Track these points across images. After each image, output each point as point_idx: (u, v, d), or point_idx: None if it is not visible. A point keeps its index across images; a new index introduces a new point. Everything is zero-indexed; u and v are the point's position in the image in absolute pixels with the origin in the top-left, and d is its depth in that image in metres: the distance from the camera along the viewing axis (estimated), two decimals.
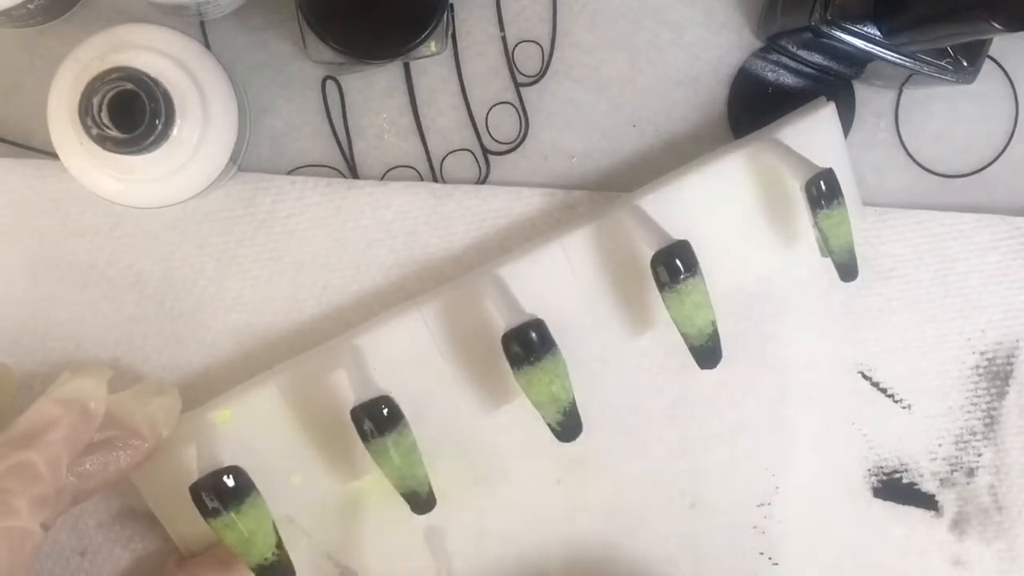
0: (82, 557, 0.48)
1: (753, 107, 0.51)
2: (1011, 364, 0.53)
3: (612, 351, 0.50)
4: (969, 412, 0.53)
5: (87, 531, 0.48)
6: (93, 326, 0.48)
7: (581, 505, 0.50)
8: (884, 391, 0.53)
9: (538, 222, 0.50)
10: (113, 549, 0.48)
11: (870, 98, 0.52)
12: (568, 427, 0.43)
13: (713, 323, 0.44)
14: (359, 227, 0.49)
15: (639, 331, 0.49)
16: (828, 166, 0.45)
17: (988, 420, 0.53)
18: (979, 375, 0.53)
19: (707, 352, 0.44)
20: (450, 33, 0.49)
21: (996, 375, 0.53)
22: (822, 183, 0.44)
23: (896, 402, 0.53)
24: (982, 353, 0.53)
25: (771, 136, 0.48)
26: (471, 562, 0.50)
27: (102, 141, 0.38)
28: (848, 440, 0.53)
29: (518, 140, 0.51)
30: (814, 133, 0.49)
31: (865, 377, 0.53)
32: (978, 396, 0.53)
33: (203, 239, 0.49)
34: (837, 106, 0.52)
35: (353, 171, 0.50)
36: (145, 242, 0.48)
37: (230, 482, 0.39)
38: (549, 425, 0.43)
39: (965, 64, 0.47)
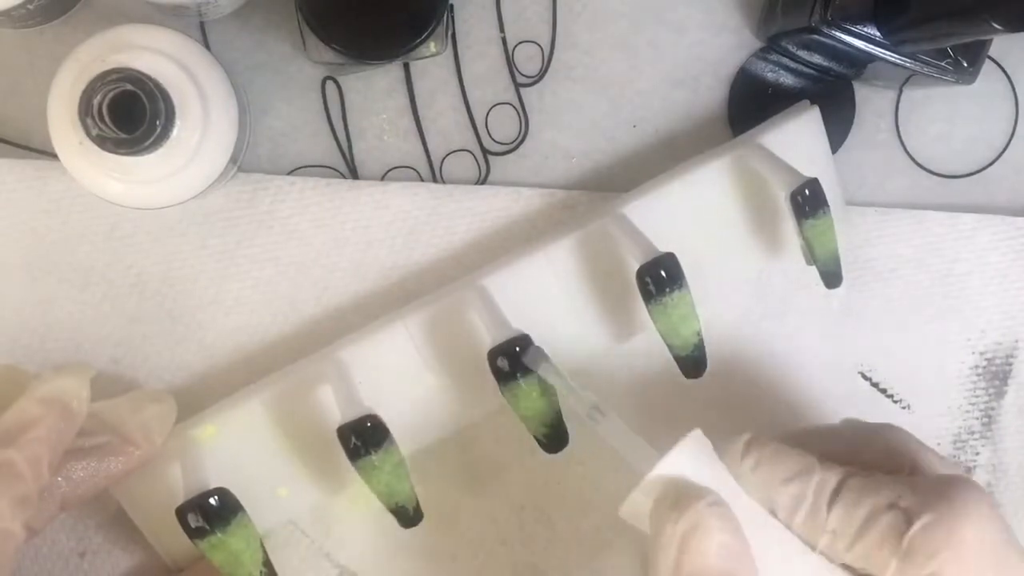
0: (81, 558, 0.48)
1: (753, 107, 0.51)
2: (1010, 364, 0.53)
3: (600, 358, 0.49)
4: (968, 412, 0.53)
5: (87, 532, 0.48)
6: (93, 327, 0.48)
7: (580, 507, 0.50)
8: (884, 391, 0.53)
9: (538, 222, 0.50)
10: (112, 551, 0.48)
11: (870, 98, 0.52)
12: (554, 439, 0.43)
13: (698, 334, 0.44)
14: (359, 227, 0.49)
15: (627, 337, 0.49)
16: (813, 175, 0.45)
17: (986, 420, 0.53)
18: (978, 375, 0.53)
19: (692, 362, 0.45)
20: (450, 34, 0.49)
21: (995, 375, 0.53)
22: (807, 192, 0.44)
23: (896, 402, 0.53)
24: (981, 353, 0.53)
25: (756, 141, 0.48)
26: (470, 562, 0.50)
27: (102, 142, 0.38)
28: None
29: (518, 140, 0.51)
30: (798, 137, 0.49)
31: (865, 377, 0.53)
32: (976, 396, 0.53)
33: (203, 240, 0.48)
34: (837, 107, 0.52)
35: (353, 171, 0.50)
36: (145, 243, 0.48)
37: (216, 504, 0.40)
38: (536, 437, 0.43)
39: (965, 65, 0.47)
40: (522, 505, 0.50)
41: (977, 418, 0.53)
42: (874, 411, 0.53)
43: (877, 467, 0.41)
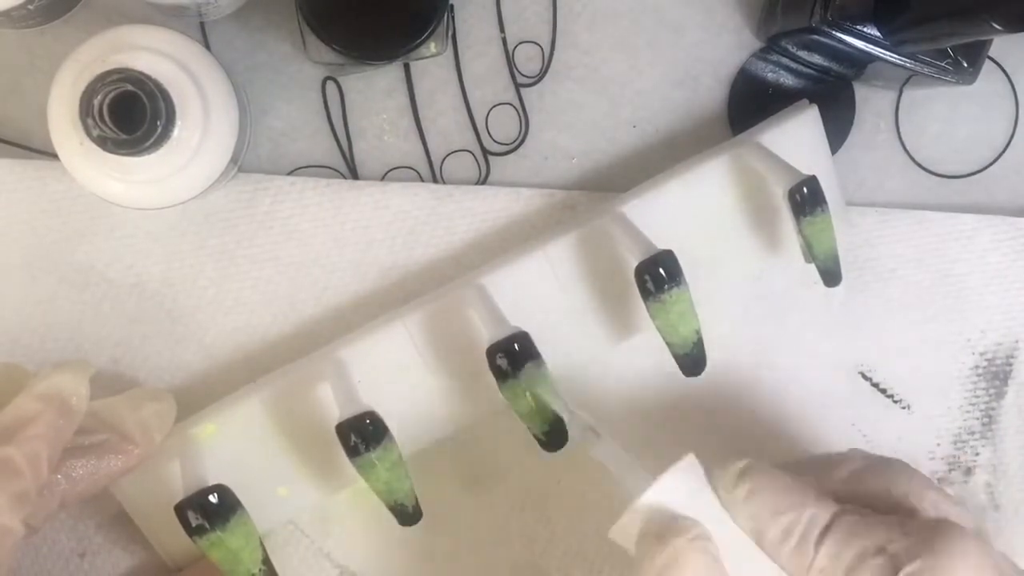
0: (81, 559, 0.48)
1: (753, 107, 0.51)
2: (1010, 364, 0.53)
3: (599, 357, 0.49)
4: (968, 412, 0.53)
5: (87, 533, 0.48)
6: (93, 327, 0.48)
7: (580, 507, 0.50)
8: (884, 391, 0.53)
9: (538, 223, 0.50)
10: (113, 551, 0.48)
11: (870, 99, 0.52)
12: (554, 437, 0.43)
13: (697, 332, 0.44)
14: (359, 228, 0.49)
15: (625, 336, 0.49)
16: (811, 173, 0.45)
17: (986, 420, 0.53)
18: (978, 375, 0.53)
19: (691, 361, 0.45)
20: (450, 34, 0.49)
21: (995, 375, 0.53)
22: (805, 190, 0.44)
23: (896, 402, 0.53)
24: (981, 354, 0.53)
25: (754, 140, 0.48)
26: (470, 562, 0.50)
27: (103, 142, 0.38)
28: (848, 441, 0.53)
29: (518, 141, 0.51)
30: (797, 136, 0.49)
31: (865, 377, 0.53)
32: (976, 396, 0.53)
33: (203, 240, 0.48)
34: (837, 107, 0.52)
35: (353, 172, 0.50)
36: (145, 243, 0.48)
37: (215, 501, 0.40)
38: (535, 436, 0.43)
39: (965, 65, 0.47)
40: (522, 505, 0.50)
41: (977, 418, 0.53)
42: (874, 411, 0.53)
43: (876, 501, 0.40)
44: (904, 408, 0.53)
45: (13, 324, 0.48)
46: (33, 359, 0.48)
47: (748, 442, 0.52)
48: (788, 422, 0.52)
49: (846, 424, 0.53)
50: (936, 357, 0.53)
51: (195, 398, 0.47)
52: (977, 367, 0.53)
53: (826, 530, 0.38)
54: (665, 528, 0.38)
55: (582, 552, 0.50)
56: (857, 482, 0.41)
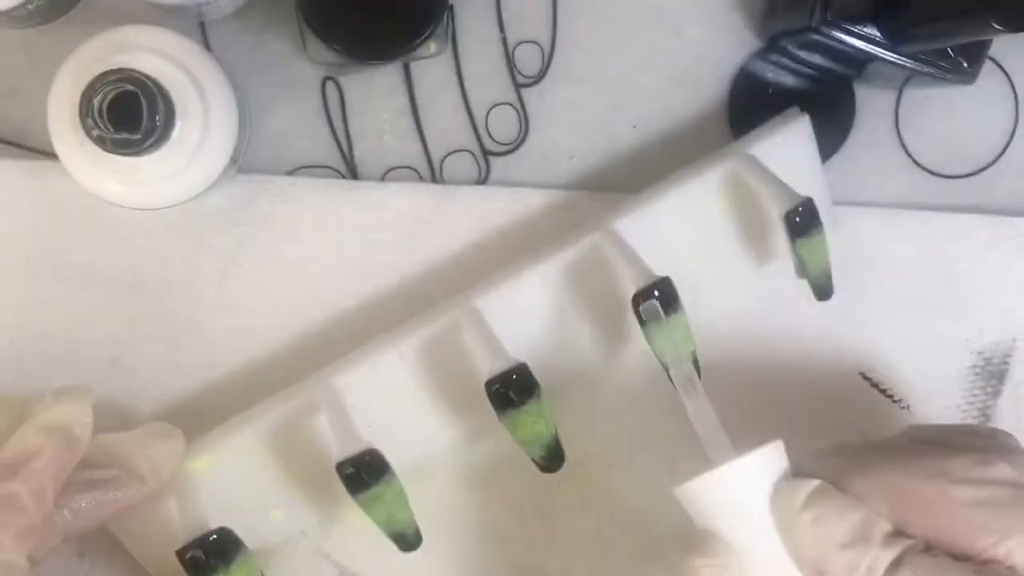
0: (81, 559, 0.48)
1: (753, 107, 0.51)
2: (1006, 364, 0.53)
3: (597, 368, 0.49)
4: (965, 411, 0.53)
5: (86, 533, 0.48)
6: (92, 327, 0.48)
7: (580, 507, 0.50)
8: (884, 391, 0.53)
9: (538, 223, 0.50)
10: (112, 552, 0.48)
11: (870, 99, 0.52)
12: (551, 460, 0.43)
13: (693, 353, 0.44)
14: (359, 228, 0.49)
15: (624, 348, 0.49)
16: (803, 183, 0.44)
17: (983, 419, 0.53)
18: (976, 374, 0.53)
19: (685, 375, 0.44)
20: (450, 34, 0.49)
21: (992, 374, 0.53)
22: (801, 212, 0.44)
23: (895, 402, 0.53)
24: (979, 353, 0.53)
25: (747, 151, 0.47)
26: (470, 562, 0.50)
27: (102, 142, 0.38)
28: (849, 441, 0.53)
29: (518, 141, 0.51)
30: (789, 147, 0.48)
31: (865, 378, 0.53)
32: (974, 395, 0.53)
33: (203, 240, 0.48)
34: (837, 107, 0.52)
35: (353, 172, 0.50)
36: (145, 243, 0.48)
37: (217, 543, 0.39)
38: (533, 460, 0.43)
39: (965, 65, 0.47)
40: (522, 505, 0.50)
41: (975, 417, 0.53)
42: (874, 411, 0.53)
43: (964, 445, 0.39)
44: (904, 408, 0.53)
45: (12, 325, 0.48)
46: (31, 360, 0.47)
47: (748, 443, 0.52)
48: (788, 423, 0.52)
49: (846, 424, 0.53)
50: (935, 357, 0.53)
51: (195, 398, 0.47)
52: (975, 366, 0.53)
53: (894, 568, 0.37)
54: (701, 542, 0.38)
55: (582, 552, 0.50)
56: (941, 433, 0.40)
